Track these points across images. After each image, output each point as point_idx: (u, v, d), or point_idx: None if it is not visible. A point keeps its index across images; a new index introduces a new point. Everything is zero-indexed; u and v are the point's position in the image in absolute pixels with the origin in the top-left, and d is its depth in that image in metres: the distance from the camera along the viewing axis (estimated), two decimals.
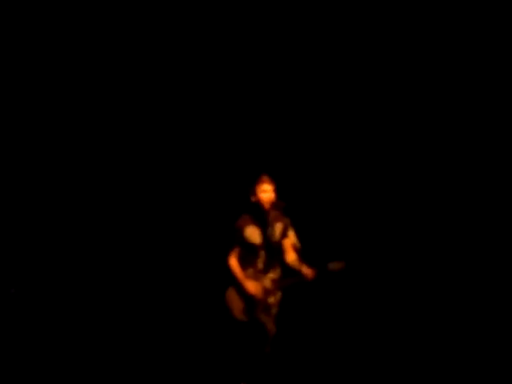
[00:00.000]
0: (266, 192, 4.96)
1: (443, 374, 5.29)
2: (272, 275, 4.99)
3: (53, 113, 6.28)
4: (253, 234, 4.97)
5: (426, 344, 5.86)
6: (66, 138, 6.31)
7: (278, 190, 5.00)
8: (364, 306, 6.20)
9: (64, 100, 6.29)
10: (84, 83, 6.29)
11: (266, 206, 4.96)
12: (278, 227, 5.02)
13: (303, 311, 6.16)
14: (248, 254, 4.98)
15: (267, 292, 4.98)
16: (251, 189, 4.99)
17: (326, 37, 6.31)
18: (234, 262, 5.00)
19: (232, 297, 5.00)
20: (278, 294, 5.04)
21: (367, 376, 5.41)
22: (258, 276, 4.98)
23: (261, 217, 4.98)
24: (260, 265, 4.98)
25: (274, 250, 4.98)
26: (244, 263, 4.99)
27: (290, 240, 5.06)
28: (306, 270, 4.87)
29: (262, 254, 4.98)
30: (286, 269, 5.01)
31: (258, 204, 4.97)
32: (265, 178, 4.98)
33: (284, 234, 5.03)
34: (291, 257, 5.01)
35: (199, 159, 6.38)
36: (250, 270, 4.98)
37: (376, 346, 5.91)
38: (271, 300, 5.00)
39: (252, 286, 4.95)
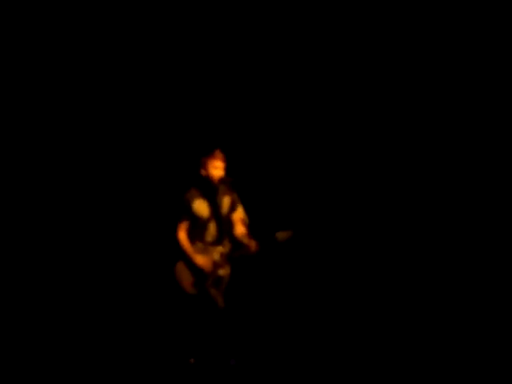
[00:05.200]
0: (217, 168, 5.00)
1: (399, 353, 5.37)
2: (221, 248, 5.05)
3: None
4: (201, 206, 5.02)
5: (367, 312, 6.01)
6: None
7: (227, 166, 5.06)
8: (314, 277, 6.31)
9: None
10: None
11: (216, 181, 5.01)
12: (226, 201, 5.07)
13: (252, 285, 6.23)
14: (197, 228, 5.02)
15: (216, 265, 5.03)
16: (202, 162, 5.03)
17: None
18: (182, 236, 5.03)
19: (181, 270, 5.04)
20: (228, 267, 5.11)
21: (317, 350, 5.48)
22: (207, 249, 5.03)
23: (209, 190, 5.03)
24: (209, 238, 5.03)
25: (222, 223, 5.04)
26: (193, 236, 5.03)
27: (239, 214, 5.12)
28: (253, 243, 4.95)
29: (211, 227, 5.02)
30: (235, 242, 5.07)
31: (208, 178, 5.01)
32: (218, 154, 5.01)
33: (232, 208, 5.08)
34: (240, 230, 5.07)
35: (149, 132, 6.36)
36: (199, 244, 5.02)
37: (326, 317, 6.02)
38: (221, 273, 5.06)
39: (201, 259, 4.99)
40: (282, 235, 4.89)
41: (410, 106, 6.34)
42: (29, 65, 6.19)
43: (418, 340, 5.41)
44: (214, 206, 5.02)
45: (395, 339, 5.56)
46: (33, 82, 6.22)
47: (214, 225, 5.02)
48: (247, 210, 5.19)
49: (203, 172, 5.02)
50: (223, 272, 5.08)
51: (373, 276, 6.25)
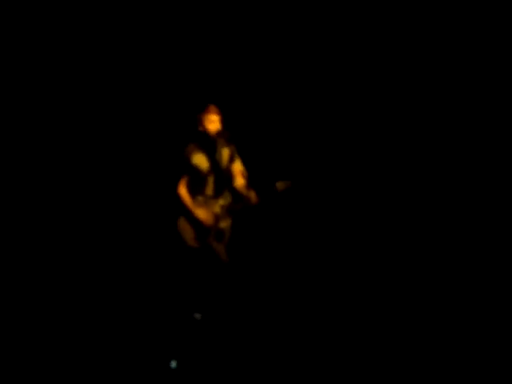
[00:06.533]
0: (213, 122, 5.03)
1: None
2: (222, 201, 5.10)
3: None
4: (200, 161, 5.05)
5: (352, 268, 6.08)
6: None
7: (223, 120, 5.09)
8: (315, 227, 6.38)
9: None
10: None
11: (213, 135, 5.04)
12: (225, 154, 5.11)
13: (254, 237, 6.29)
14: (197, 182, 5.06)
15: (217, 218, 5.09)
16: (198, 118, 5.06)
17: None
18: (182, 191, 5.07)
19: (183, 225, 5.10)
20: (229, 220, 5.17)
21: (317, 310, 5.51)
22: (207, 202, 5.08)
23: (207, 145, 5.07)
24: (209, 191, 5.07)
25: (222, 176, 5.08)
26: (193, 191, 5.07)
27: (237, 166, 5.17)
28: (253, 195, 5.00)
29: (211, 180, 5.07)
30: (236, 194, 5.12)
31: (205, 133, 5.04)
32: (212, 108, 5.05)
33: (231, 161, 5.12)
34: (239, 182, 5.12)
35: (144, 92, 6.37)
36: (200, 197, 5.07)
37: (326, 270, 6.09)
38: (222, 225, 5.12)
39: (202, 213, 5.05)
40: (281, 185, 4.94)
41: (410, 104, 6.37)
42: (29, 65, 6.20)
43: (418, 337, 5.42)
44: (213, 159, 5.07)
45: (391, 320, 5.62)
46: (32, 81, 6.23)
47: (214, 178, 5.07)
48: (245, 162, 5.23)
49: (200, 128, 5.05)
50: (225, 224, 5.14)
51: (369, 225, 6.32)
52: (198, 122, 5.06)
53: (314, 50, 6.40)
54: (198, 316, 5.10)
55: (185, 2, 6.31)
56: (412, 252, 6.19)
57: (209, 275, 5.13)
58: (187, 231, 5.09)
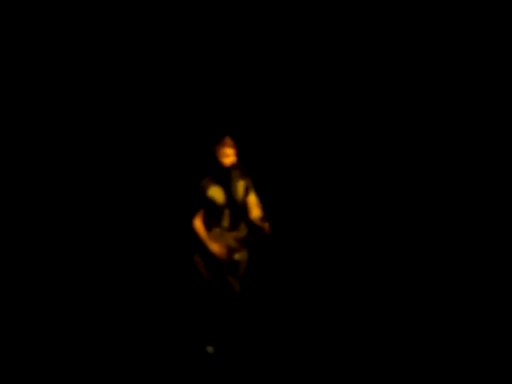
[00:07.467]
0: (228, 156, 5.05)
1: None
2: (237, 233, 5.10)
3: None
4: (216, 193, 5.06)
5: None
6: None
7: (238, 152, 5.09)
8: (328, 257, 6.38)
9: None
10: None
11: (228, 167, 5.05)
12: (241, 186, 5.12)
13: (269, 269, 6.29)
14: (213, 215, 5.06)
15: (232, 250, 5.09)
16: (213, 151, 5.07)
17: None
18: (198, 224, 5.07)
19: (198, 258, 5.10)
20: (244, 252, 5.16)
21: (333, 337, 5.52)
22: (223, 235, 5.08)
23: (223, 177, 5.08)
24: (225, 224, 5.07)
25: (237, 208, 5.09)
26: (209, 223, 5.07)
27: (253, 199, 5.17)
28: (266, 225, 4.99)
29: (227, 213, 5.07)
30: (251, 226, 5.11)
31: (220, 166, 5.05)
32: (227, 141, 5.05)
33: (246, 193, 5.13)
34: (255, 214, 5.12)
35: (161, 122, 6.41)
36: (216, 230, 5.06)
37: (341, 300, 6.08)
38: (237, 257, 5.12)
39: (215, 247, 5.04)
40: (294, 217, 4.97)
41: (410, 105, 6.40)
42: (29, 65, 6.23)
43: (418, 339, 5.39)
44: (229, 192, 5.08)
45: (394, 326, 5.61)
46: (32, 81, 6.26)
47: (230, 210, 5.08)
48: (260, 194, 5.24)
49: (215, 160, 5.07)
50: (239, 257, 5.13)
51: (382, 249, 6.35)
52: (213, 155, 5.08)
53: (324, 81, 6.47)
54: (210, 349, 5.07)
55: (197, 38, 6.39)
56: (412, 254, 6.22)
57: (222, 308, 5.11)
58: (201, 264, 5.08)
